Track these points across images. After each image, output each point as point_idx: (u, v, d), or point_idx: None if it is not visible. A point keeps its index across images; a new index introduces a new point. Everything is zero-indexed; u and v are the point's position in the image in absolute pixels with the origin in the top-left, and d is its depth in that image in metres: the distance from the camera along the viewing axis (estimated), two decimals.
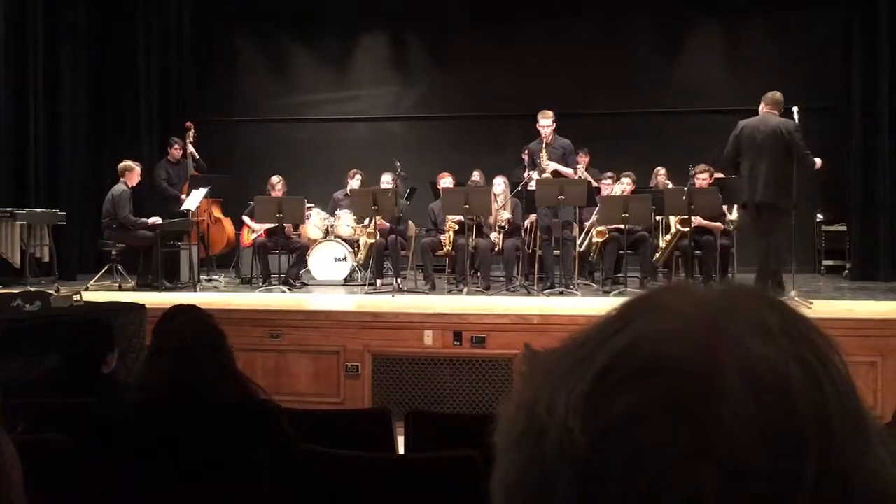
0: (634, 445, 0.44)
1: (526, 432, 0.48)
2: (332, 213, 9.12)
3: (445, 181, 8.85)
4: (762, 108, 6.88)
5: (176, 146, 9.35)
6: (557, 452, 0.46)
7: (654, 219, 8.13)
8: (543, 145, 7.75)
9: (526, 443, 0.48)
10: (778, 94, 6.88)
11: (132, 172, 8.43)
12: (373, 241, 8.41)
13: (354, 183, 9.17)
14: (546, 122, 7.72)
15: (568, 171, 7.82)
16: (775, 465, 0.44)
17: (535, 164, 7.90)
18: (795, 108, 6.77)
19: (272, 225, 8.36)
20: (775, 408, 0.45)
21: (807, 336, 0.49)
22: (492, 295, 7.66)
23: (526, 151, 8.32)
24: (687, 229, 7.64)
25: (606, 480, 0.44)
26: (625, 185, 8.38)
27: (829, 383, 0.47)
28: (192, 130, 9.54)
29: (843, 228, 9.88)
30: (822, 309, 6.27)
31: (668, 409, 0.44)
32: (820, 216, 10.10)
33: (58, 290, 6.04)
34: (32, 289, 6.22)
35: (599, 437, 0.45)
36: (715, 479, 0.43)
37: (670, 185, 8.73)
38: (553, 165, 7.72)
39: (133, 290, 8.03)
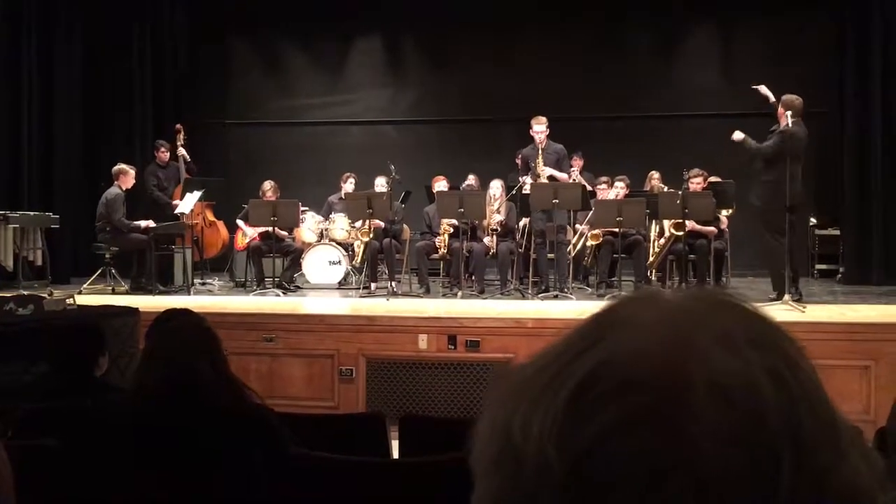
0: (611, 466, 0.44)
1: (503, 454, 0.47)
2: (326, 217, 9.11)
3: (440, 185, 8.85)
4: (788, 115, 6.82)
5: (162, 149, 9.24)
6: (535, 475, 0.45)
7: (649, 223, 8.14)
8: (539, 151, 7.77)
9: (503, 465, 0.47)
10: (799, 101, 6.95)
11: (126, 175, 8.41)
12: (367, 239, 8.39)
13: (348, 187, 9.16)
14: (540, 127, 7.74)
15: (563, 176, 7.84)
16: (751, 478, 0.44)
17: (528, 169, 7.91)
18: (789, 112, 6.80)
19: (266, 228, 8.34)
20: (747, 421, 0.44)
21: (775, 344, 0.49)
22: (486, 299, 7.65)
23: (520, 157, 8.33)
24: (681, 233, 7.65)
25: (586, 502, 0.44)
26: (618, 190, 8.39)
27: (800, 391, 0.47)
28: (183, 132, 9.49)
29: (837, 232, 9.91)
30: (815, 313, 6.28)
31: (641, 429, 0.44)
32: (813, 220, 10.13)
33: (51, 294, 6.02)
34: (25, 292, 6.20)
35: (576, 459, 0.45)
36: (692, 497, 0.43)
37: (665, 189, 8.74)
38: (549, 171, 7.74)
39: (126, 293, 8.01)
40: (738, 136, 7.03)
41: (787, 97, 6.94)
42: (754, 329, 0.49)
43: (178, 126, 9.56)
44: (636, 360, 0.46)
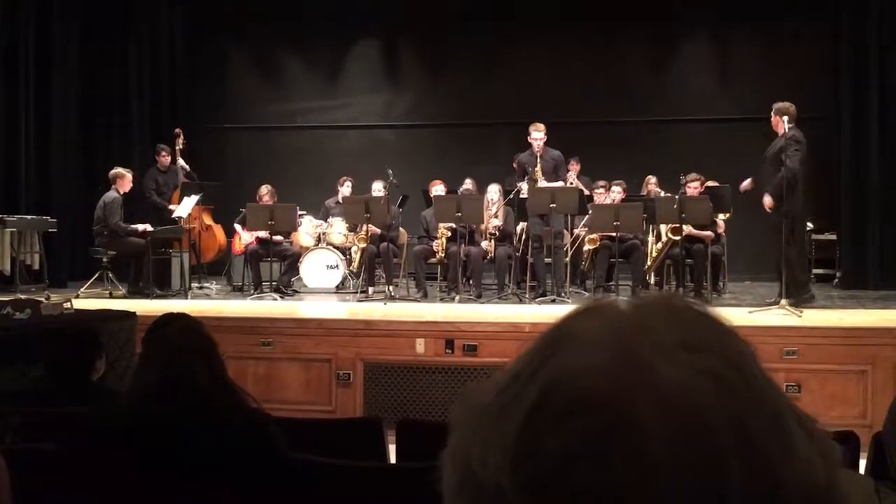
0: (565, 492, 0.44)
1: (464, 483, 0.48)
2: (323, 221, 9.11)
3: (437, 189, 8.86)
4: (784, 120, 6.85)
5: (163, 153, 9.29)
6: None
7: (646, 227, 8.15)
8: (537, 158, 7.78)
9: (466, 494, 0.47)
10: (792, 107, 6.97)
11: (123, 179, 8.40)
12: (364, 245, 8.40)
13: (345, 190, 9.16)
14: (539, 134, 7.75)
15: (559, 185, 7.84)
16: (700, 484, 0.44)
17: (525, 175, 7.92)
18: (785, 118, 6.82)
19: (263, 232, 8.34)
20: (690, 428, 0.44)
21: (716, 345, 0.48)
22: (484, 303, 7.66)
23: (516, 163, 8.34)
24: (678, 238, 7.66)
25: None
26: (615, 194, 8.40)
27: (745, 389, 0.46)
28: (181, 137, 9.50)
29: (833, 237, 9.92)
30: (812, 318, 6.29)
31: (591, 450, 0.44)
32: (810, 225, 10.14)
33: (48, 298, 6.02)
34: (22, 296, 6.20)
35: (531, 488, 0.45)
36: None
37: (661, 194, 8.76)
38: (544, 184, 7.74)
39: (124, 297, 8.00)
40: (748, 184, 7.00)
41: (779, 105, 6.96)
42: (696, 333, 0.49)
43: (177, 131, 9.57)
44: (581, 378, 0.46)
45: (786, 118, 6.80)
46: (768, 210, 6.99)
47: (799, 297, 6.86)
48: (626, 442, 0.44)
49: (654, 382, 0.45)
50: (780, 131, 6.86)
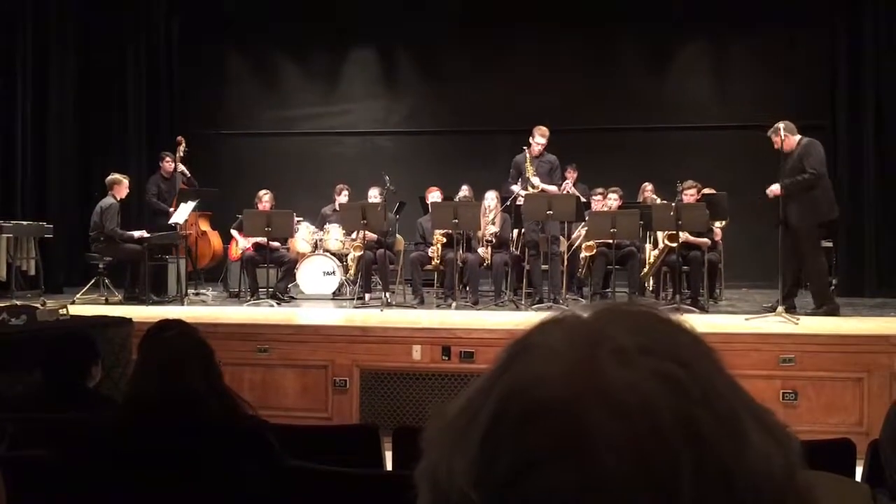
0: (523, 500, 0.45)
1: (435, 499, 0.49)
2: (320, 228, 9.11)
3: (434, 195, 8.86)
4: (790, 136, 6.90)
5: (168, 160, 9.34)
6: None
7: (643, 234, 8.16)
8: (528, 158, 7.79)
9: None
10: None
11: (120, 185, 8.40)
12: (360, 253, 8.40)
13: (342, 198, 9.16)
14: (542, 139, 7.78)
15: (553, 189, 7.85)
16: (654, 485, 0.44)
17: (519, 176, 7.93)
18: (782, 126, 6.83)
19: (260, 239, 8.33)
20: (641, 430, 0.45)
21: (670, 347, 0.49)
22: (480, 309, 7.65)
23: (513, 165, 8.35)
24: (675, 245, 7.67)
25: None
26: (612, 201, 8.41)
27: (696, 388, 0.47)
28: (184, 144, 9.51)
29: (830, 244, 9.93)
30: (808, 325, 6.29)
31: (546, 457, 0.45)
32: None
33: (44, 304, 5.99)
34: (18, 302, 6.18)
35: (493, 499, 0.45)
36: None
37: (658, 201, 8.77)
38: (537, 181, 7.76)
39: (120, 303, 7.98)
40: (775, 188, 6.95)
41: (783, 124, 6.97)
42: (652, 337, 0.49)
43: (179, 138, 9.58)
44: (537, 387, 0.47)
45: (793, 130, 6.90)
46: (771, 196, 6.93)
47: (827, 307, 6.91)
48: (579, 448, 0.45)
49: (604, 387, 0.46)
50: (795, 139, 6.92)
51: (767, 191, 7.04)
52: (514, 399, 0.47)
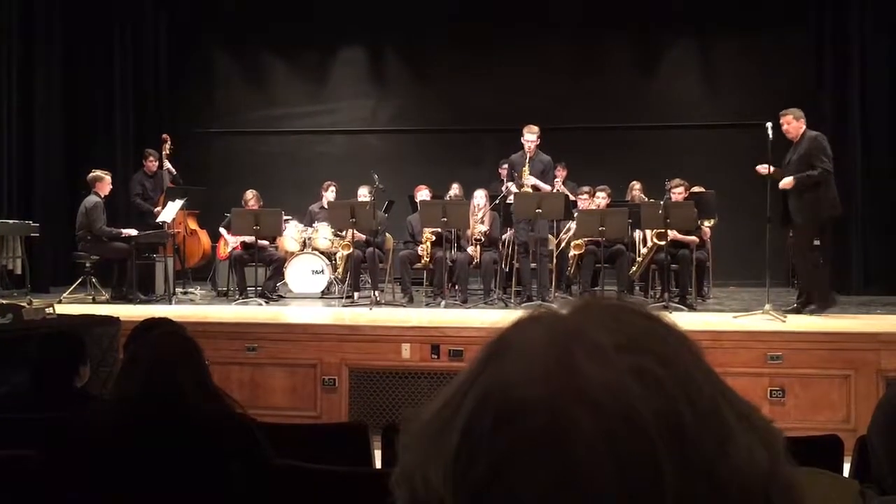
0: (500, 501, 0.44)
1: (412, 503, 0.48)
2: (308, 225, 9.09)
3: (422, 194, 8.86)
4: (800, 122, 6.88)
5: (151, 158, 9.25)
6: None
7: (631, 232, 8.18)
8: (527, 159, 7.79)
9: None
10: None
11: (102, 182, 8.32)
12: (348, 251, 8.39)
13: (329, 195, 9.15)
14: (531, 137, 7.76)
15: (545, 187, 7.86)
16: (634, 483, 0.44)
17: (513, 176, 7.93)
18: (769, 124, 6.86)
19: (248, 237, 8.30)
20: (620, 428, 0.44)
21: (649, 343, 0.49)
22: (469, 308, 7.66)
23: (506, 165, 8.35)
24: (663, 243, 7.69)
25: None
26: (599, 200, 8.43)
27: (675, 384, 0.47)
28: (169, 142, 9.46)
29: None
30: (795, 323, 6.33)
31: (524, 458, 0.44)
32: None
33: (30, 303, 5.95)
34: (4, 301, 6.12)
35: (471, 501, 0.45)
36: None
37: (646, 200, 8.79)
38: (532, 180, 7.76)
39: (107, 302, 7.94)
40: (788, 181, 6.80)
41: (792, 111, 6.96)
42: (628, 333, 0.49)
43: (164, 136, 9.52)
44: (515, 388, 0.47)
45: (801, 121, 6.88)
46: (763, 173, 6.81)
47: (826, 304, 6.90)
48: (557, 448, 0.44)
49: (583, 386, 0.46)
50: (795, 131, 6.88)
51: (758, 167, 6.99)
52: (491, 399, 0.47)
